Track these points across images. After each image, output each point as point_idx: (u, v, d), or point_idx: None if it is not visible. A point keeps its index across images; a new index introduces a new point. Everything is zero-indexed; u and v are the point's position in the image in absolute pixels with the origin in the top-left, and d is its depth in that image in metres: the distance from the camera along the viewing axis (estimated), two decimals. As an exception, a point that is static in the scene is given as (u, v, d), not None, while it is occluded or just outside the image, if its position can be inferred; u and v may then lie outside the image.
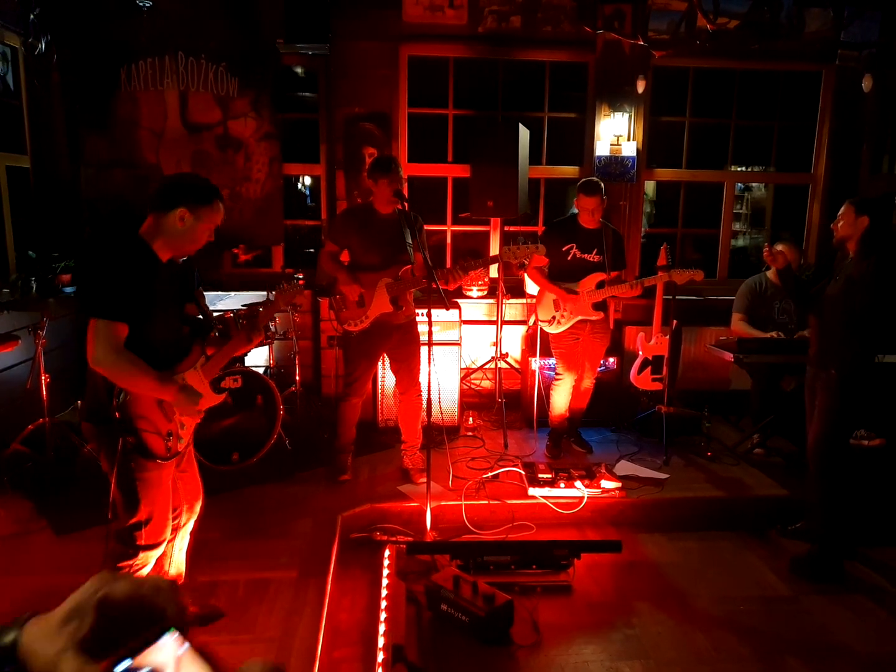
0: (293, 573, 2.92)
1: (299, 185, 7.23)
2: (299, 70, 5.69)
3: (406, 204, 3.50)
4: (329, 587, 2.82)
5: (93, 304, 2.07)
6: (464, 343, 4.84)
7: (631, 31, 4.82)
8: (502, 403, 4.73)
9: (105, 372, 2.08)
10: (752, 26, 4.17)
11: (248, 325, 2.45)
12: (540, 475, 3.77)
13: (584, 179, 4.16)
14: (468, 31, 5.06)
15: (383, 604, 2.75)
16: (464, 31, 5.07)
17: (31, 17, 4.92)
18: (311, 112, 5.45)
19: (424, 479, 3.43)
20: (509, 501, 3.65)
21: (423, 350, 3.83)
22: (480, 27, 5.06)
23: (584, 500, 3.63)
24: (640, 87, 5.10)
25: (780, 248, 4.48)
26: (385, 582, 2.88)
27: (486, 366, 5.22)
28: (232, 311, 4.24)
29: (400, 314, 3.74)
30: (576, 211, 4.20)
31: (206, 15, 5.10)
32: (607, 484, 3.72)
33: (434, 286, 3.23)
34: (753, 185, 8.05)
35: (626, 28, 5.05)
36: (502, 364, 5.02)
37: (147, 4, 4.23)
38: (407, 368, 3.89)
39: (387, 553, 3.10)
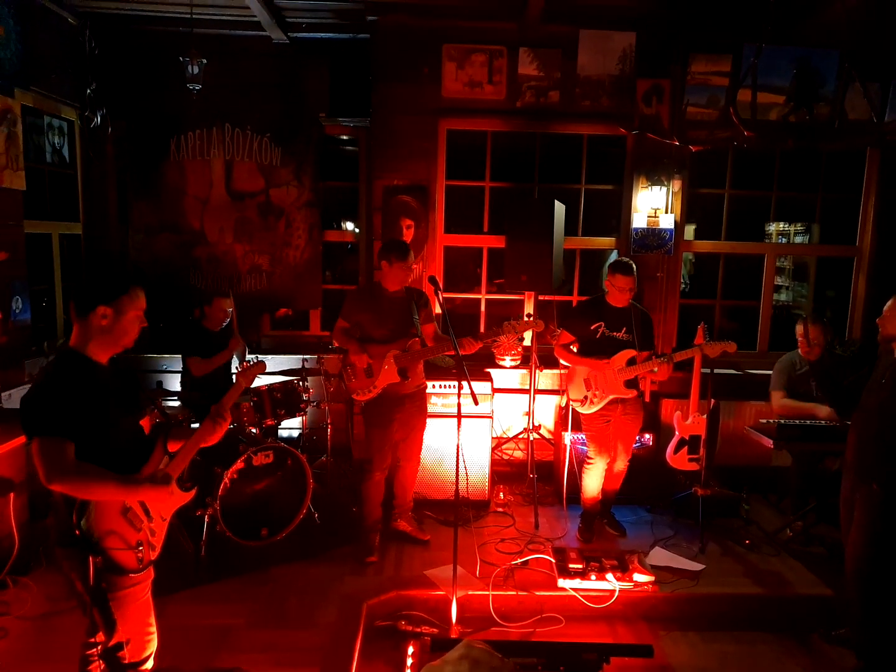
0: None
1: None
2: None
3: (440, 293, 3.52)
4: (350, 690, 2.78)
5: (31, 424, 1.99)
6: (496, 412, 4.80)
7: (669, 112, 4.82)
8: (534, 479, 4.67)
9: (62, 488, 1.98)
10: (789, 127, 4.13)
11: (214, 412, 2.32)
12: (570, 565, 3.67)
13: (617, 259, 4.13)
14: (506, 106, 5.15)
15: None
16: (502, 106, 5.15)
17: (88, 91, 5.19)
18: (352, 178, 5.58)
19: (429, 538, 4.05)
20: (538, 593, 3.55)
21: (429, 423, 4.10)
22: (519, 102, 5.14)
23: (616, 594, 3.52)
24: (676, 185, 5.09)
25: (812, 334, 4.37)
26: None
27: (519, 436, 5.17)
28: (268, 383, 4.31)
29: (408, 384, 3.86)
30: (605, 290, 4.17)
31: (254, 90, 5.33)
32: (640, 577, 3.60)
33: (454, 353, 3.28)
34: (797, 237, 7.87)
35: (665, 102, 5.07)
36: (534, 436, 4.96)
37: (196, 88, 4.42)
38: (410, 440, 4.02)
39: (410, 650, 3.04)
